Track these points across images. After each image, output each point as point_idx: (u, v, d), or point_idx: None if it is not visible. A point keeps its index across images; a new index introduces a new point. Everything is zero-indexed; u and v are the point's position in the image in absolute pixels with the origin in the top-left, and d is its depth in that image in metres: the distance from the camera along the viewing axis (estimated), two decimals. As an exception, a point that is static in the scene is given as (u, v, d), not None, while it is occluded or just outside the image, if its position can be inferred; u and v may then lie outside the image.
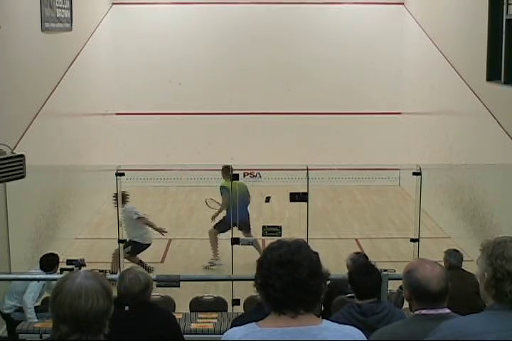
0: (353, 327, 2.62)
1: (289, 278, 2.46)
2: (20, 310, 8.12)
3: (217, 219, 11.53)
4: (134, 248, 10.85)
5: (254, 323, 2.56)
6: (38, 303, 8.25)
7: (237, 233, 10.79)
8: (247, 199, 11.56)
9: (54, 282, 8.05)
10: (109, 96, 16.62)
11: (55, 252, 8.76)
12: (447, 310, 3.26)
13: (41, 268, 8.24)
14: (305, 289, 2.47)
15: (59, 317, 2.49)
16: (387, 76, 17.17)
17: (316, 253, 2.59)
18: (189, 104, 17.16)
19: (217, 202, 11.62)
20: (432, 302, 3.26)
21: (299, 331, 2.48)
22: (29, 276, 7.87)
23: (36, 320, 7.69)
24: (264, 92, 17.21)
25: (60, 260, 8.68)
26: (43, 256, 8.49)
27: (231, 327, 4.63)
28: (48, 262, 8.25)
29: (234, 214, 10.74)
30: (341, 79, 17.20)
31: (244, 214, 11.36)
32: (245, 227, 11.31)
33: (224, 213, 11.45)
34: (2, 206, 9.36)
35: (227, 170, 11.03)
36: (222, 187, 11.33)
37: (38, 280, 8.11)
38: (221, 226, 11.31)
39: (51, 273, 8.01)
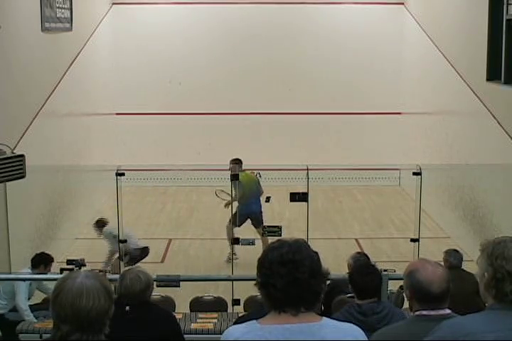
0: (352, 325, 2.64)
1: (290, 278, 2.47)
2: (14, 309, 8.13)
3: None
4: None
5: (254, 321, 2.57)
6: (31, 302, 8.27)
7: (237, 233, 10.78)
8: (257, 191, 11.54)
9: (44, 281, 8.11)
10: (109, 96, 16.63)
11: (53, 252, 8.74)
12: (448, 311, 3.25)
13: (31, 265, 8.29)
14: (306, 288, 2.49)
15: (60, 317, 2.49)
16: (387, 76, 17.17)
17: (316, 253, 2.60)
18: (189, 104, 17.16)
19: (228, 193, 11.58)
20: (432, 304, 3.25)
21: (298, 328, 2.50)
22: (29, 276, 7.90)
23: (35, 320, 7.69)
24: (264, 92, 17.20)
25: (60, 260, 8.68)
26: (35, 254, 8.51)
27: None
28: (36, 259, 8.25)
29: (244, 207, 10.77)
30: (341, 79, 17.20)
31: (256, 206, 11.37)
32: (257, 220, 11.30)
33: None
34: (2, 206, 9.36)
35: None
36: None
37: (38, 280, 8.13)
38: (234, 221, 11.28)
39: (36, 270, 8.05)
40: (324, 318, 2.57)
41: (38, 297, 8.58)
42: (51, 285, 8.05)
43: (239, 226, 11.00)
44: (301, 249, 2.54)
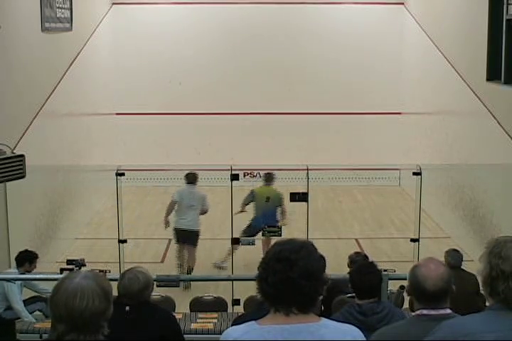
0: (351, 325, 2.63)
1: (282, 275, 2.47)
2: (9, 308, 8.14)
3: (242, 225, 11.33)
4: None
5: (253, 321, 2.57)
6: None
7: (237, 233, 10.78)
8: (273, 207, 11.29)
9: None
10: (109, 96, 16.63)
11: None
12: (448, 311, 3.24)
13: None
14: (296, 289, 2.47)
15: (55, 316, 2.50)
16: (387, 76, 17.17)
17: (323, 258, 2.58)
18: (189, 104, 17.16)
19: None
20: (428, 302, 3.24)
21: (297, 328, 2.49)
22: (25, 276, 7.90)
23: (34, 321, 7.70)
24: (264, 92, 17.20)
25: (60, 260, 8.66)
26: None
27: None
28: (20, 257, 8.27)
29: (259, 220, 10.72)
30: (341, 79, 17.20)
31: (271, 221, 11.04)
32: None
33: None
34: (2, 206, 9.36)
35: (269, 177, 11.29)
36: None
37: (36, 280, 8.15)
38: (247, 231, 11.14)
39: (22, 268, 8.08)
40: (323, 319, 2.56)
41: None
42: (37, 282, 8.10)
43: (251, 236, 10.80)
44: (301, 249, 2.52)
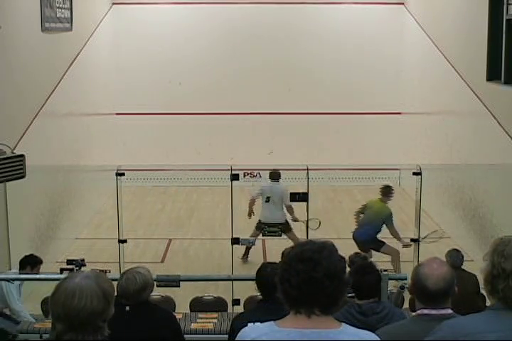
0: (370, 332, 2.62)
1: (305, 276, 2.46)
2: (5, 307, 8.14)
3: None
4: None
5: (272, 322, 2.56)
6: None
7: (237, 233, 10.77)
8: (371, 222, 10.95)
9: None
10: (109, 96, 16.63)
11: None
12: (450, 311, 3.25)
13: None
14: (320, 289, 2.47)
15: (54, 316, 2.51)
16: (387, 76, 17.17)
17: (343, 258, 2.58)
18: (189, 104, 17.16)
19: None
20: (429, 301, 3.25)
21: (317, 333, 2.48)
22: (29, 276, 7.90)
23: (34, 321, 7.69)
24: (264, 92, 17.20)
25: (60, 260, 8.65)
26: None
27: (231, 325, 4.63)
28: (23, 261, 8.29)
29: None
30: (341, 79, 17.20)
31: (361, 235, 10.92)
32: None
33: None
34: (2, 206, 9.36)
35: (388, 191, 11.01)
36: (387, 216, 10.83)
37: (38, 280, 8.14)
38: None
39: (23, 271, 8.08)
40: (344, 325, 2.56)
41: (29, 297, 8.60)
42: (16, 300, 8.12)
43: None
44: (323, 249, 2.52)
